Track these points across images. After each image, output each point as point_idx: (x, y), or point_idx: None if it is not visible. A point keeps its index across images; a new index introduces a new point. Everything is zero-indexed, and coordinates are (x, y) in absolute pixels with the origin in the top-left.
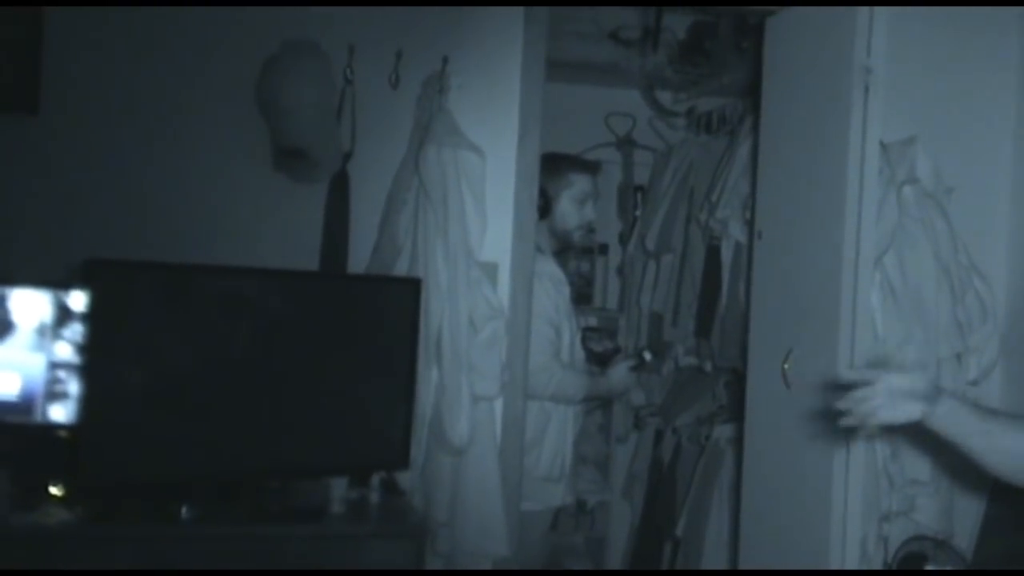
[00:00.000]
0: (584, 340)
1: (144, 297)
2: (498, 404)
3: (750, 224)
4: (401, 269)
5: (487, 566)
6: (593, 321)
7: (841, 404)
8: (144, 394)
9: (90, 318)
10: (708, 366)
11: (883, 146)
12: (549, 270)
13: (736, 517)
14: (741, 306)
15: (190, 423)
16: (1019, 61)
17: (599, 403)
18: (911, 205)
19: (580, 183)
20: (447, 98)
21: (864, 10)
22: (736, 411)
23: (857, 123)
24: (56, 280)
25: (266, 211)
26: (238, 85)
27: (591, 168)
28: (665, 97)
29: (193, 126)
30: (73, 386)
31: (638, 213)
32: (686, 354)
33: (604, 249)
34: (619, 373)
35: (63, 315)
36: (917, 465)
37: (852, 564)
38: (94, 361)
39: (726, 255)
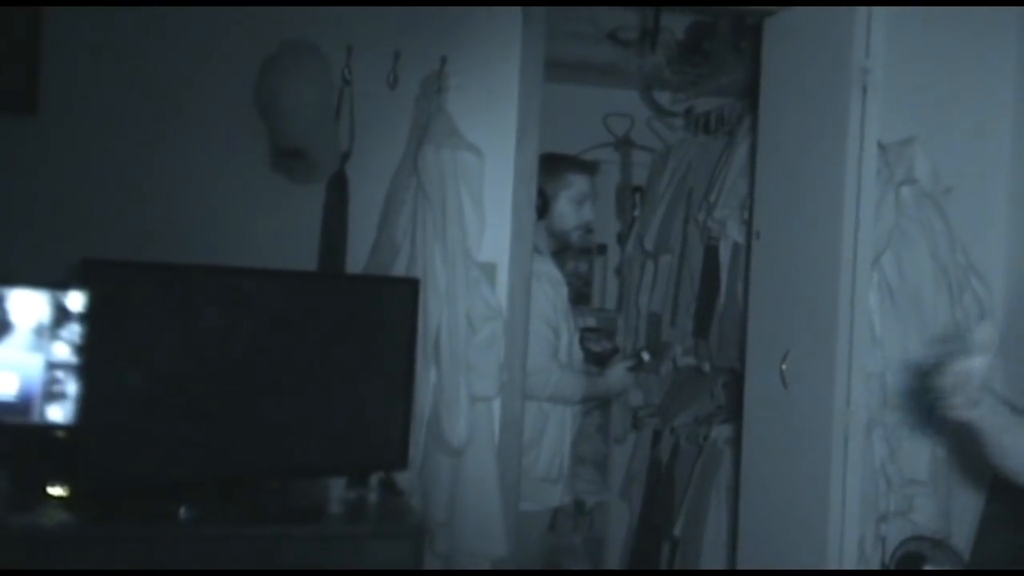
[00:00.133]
0: (582, 340)
1: (142, 297)
2: (496, 404)
3: (748, 224)
4: (399, 269)
5: (485, 566)
6: (591, 321)
7: (946, 382)
8: (142, 394)
9: (88, 318)
10: (706, 366)
11: (881, 146)
12: (547, 270)
13: (734, 517)
14: (739, 306)
15: (188, 423)
16: (1017, 61)
17: (597, 403)
18: (909, 205)
19: (578, 183)
20: (445, 98)
21: (862, 11)
22: (734, 411)
23: (855, 124)
24: (54, 280)
25: (264, 211)
26: (236, 85)
27: (589, 168)
28: (663, 97)
29: (191, 126)
30: (71, 386)
31: (636, 213)
32: (684, 354)
33: (602, 249)
34: (617, 373)
35: (61, 315)
36: (915, 465)
37: (850, 564)
38: (92, 361)
39: (724, 255)
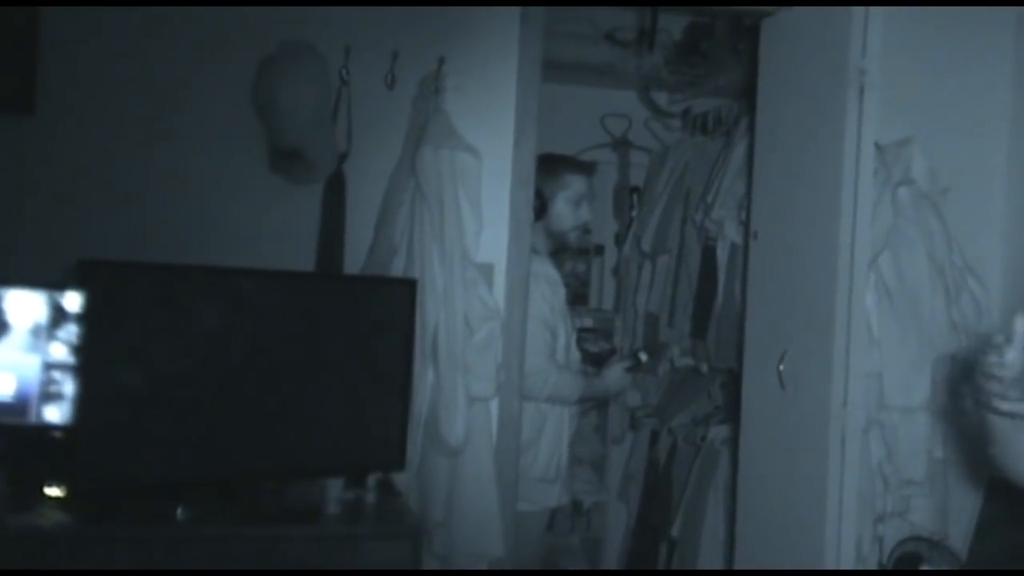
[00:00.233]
0: (580, 341)
1: (139, 298)
2: (494, 405)
3: (746, 225)
4: (397, 270)
5: (483, 567)
6: (589, 322)
7: (996, 373)
8: (139, 395)
9: (85, 319)
10: (704, 367)
11: (878, 147)
12: (545, 271)
13: (732, 518)
14: (737, 307)
15: (185, 424)
16: (1014, 61)
17: (595, 404)
18: (906, 206)
19: (576, 184)
20: (443, 99)
21: (859, 11)
22: (732, 412)
23: (852, 124)
24: (51, 281)
25: (262, 212)
26: (234, 86)
27: (587, 169)
28: (661, 98)
29: (189, 127)
30: (68, 387)
31: (634, 214)
32: (682, 355)
33: (600, 250)
34: (615, 374)
35: (58, 316)
36: (912, 466)
37: (847, 565)
38: (89, 362)
39: (722, 256)
